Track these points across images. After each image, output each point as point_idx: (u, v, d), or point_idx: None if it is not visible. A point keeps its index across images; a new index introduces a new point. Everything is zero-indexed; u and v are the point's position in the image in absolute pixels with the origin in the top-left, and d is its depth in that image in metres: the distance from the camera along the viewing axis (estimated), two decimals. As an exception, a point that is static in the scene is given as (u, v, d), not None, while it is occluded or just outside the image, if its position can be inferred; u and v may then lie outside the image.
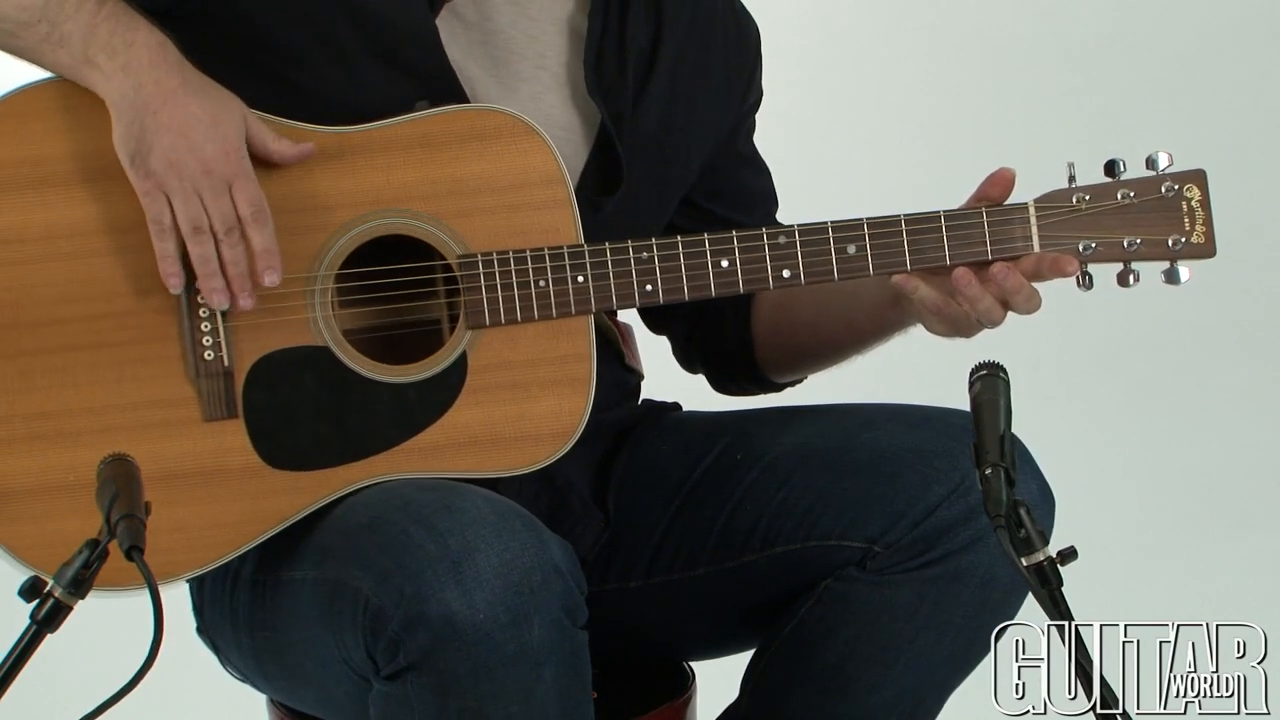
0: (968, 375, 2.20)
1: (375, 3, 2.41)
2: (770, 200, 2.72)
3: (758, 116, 2.72)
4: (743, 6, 2.68)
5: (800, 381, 2.72)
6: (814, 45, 4.92)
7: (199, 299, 2.32)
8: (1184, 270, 2.43)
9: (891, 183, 4.65)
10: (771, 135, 2.76)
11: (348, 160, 2.35)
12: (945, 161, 4.56)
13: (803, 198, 2.81)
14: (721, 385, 2.72)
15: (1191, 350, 4.93)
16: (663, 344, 2.73)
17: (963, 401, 2.21)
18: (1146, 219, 2.43)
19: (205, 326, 2.34)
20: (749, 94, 2.67)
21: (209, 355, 2.34)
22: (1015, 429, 2.15)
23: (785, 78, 4.67)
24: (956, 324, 2.43)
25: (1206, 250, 2.44)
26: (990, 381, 2.17)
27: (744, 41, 2.66)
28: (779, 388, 2.70)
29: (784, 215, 2.70)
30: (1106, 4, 4.97)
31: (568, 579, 2.21)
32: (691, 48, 2.58)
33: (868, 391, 2.59)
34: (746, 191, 2.69)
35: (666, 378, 2.75)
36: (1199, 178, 2.44)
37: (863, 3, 4.96)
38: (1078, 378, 4.95)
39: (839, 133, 4.91)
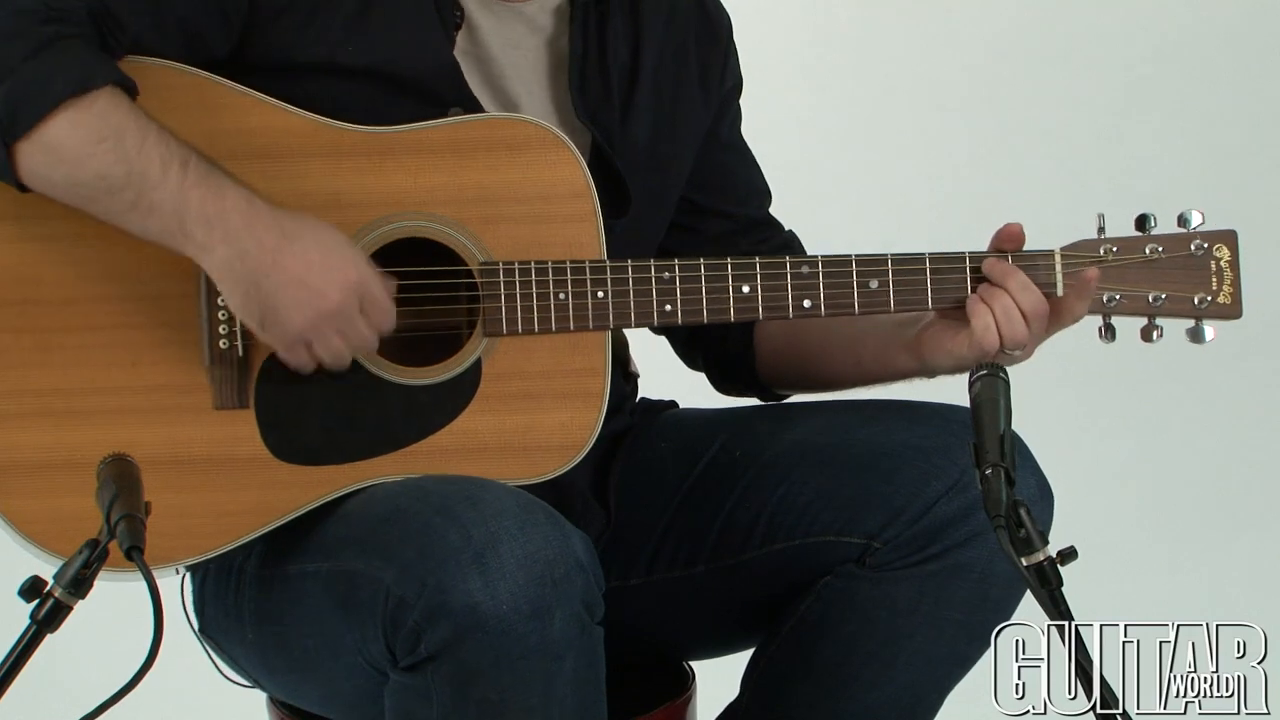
0: (968, 375, 2.20)
1: (405, 60, 2.39)
2: (762, 194, 2.71)
3: (777, 132, 2.71)
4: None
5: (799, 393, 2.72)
6: (823, 45, 4.91)
7: (219, 298, 2.33)
8: (1209, 330, 2.44)
9: (901, 185, 4.65)
10: (795, 158, 2.75)
11: (376, 160, 2.34)
12: (972, 193, 4.56)
13: (809, 198, 2.81)
14: (722, 387, 2.72)
15: (1192, 350, 4.92)
16: (660, 342, 2.72)
17: (962, 399, 2.21)
18: (1173, 275, 2.44)
19: (223, 315, 2.33)
20: (725, 79, 2.65)
21: (224, 344, 2.34)
22: (1015, 428, 2.15)
23: (792, 81, 4.67)
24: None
25: (1233, 311, 2.45)
26: (990, 381, 2.17)
27: (714, 33, 2.64)
28: (779, 397, 2.70)
29: (789, 219, 2.69)
30: (1147, 43, 4.95)
31: (588, 573, 2.22)
32: (669, 52, 2.58)
33: (868, 389, 2.59)
34: (733, 182, 2.68)
35: (664, 376, 2.75)
36: (1230, 238, 2.45)
37: (873, 15, 4.95)
38: (1078, 377, 4.93)
39: (848, 137, 4.90)
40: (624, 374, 2.63)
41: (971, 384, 2.18)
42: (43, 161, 2.25)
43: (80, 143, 2.24)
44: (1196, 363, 4.90)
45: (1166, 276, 2.44)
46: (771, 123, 2.76)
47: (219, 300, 2.33)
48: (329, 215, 2.33)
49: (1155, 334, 2.44)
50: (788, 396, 2.70)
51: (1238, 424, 4.93)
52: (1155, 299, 2.43)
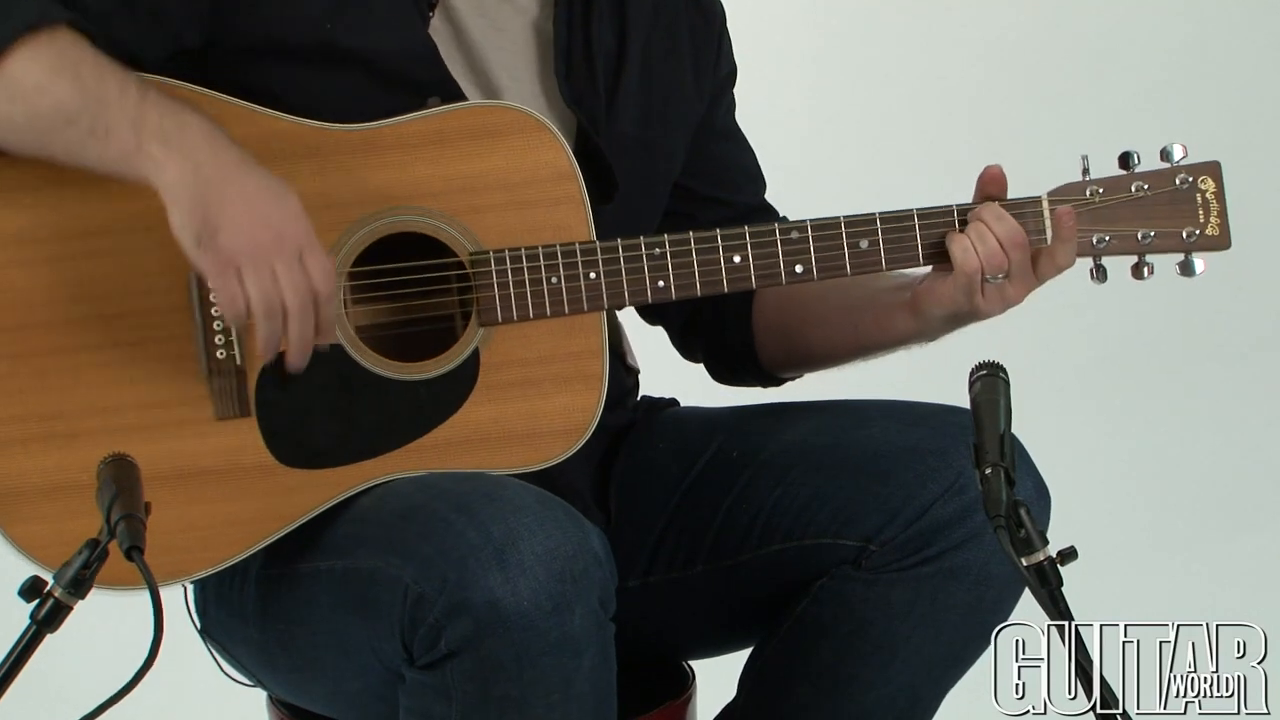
0: (968, 375, 2.20)
1: (379, 40, 2.40)
2: (757, 180, 2.70)
3: (774, 114, 2.71)
4: None
5: (799, 376, 2.71)
6: (822, 39, 4.92)
7: (211, 298, 2.32)
8: (1199, 262, 2.44)
9: (903, 178, 4.65)
10: (781, 130, 2.75)
11: (360, 158, 2.34)
12: (958, 156, 4.56)
13: (812, 193, 2.81)
14: (721, 376, 2.72)
15: (1192, 350, 4.93)
16: (660, 338, 2.72)
17: (962, 399, 2.21)
18: (1160, 211, 2.44)
19: (217, 325, 2.33)
20: (718, 67, 2.66)
21: (221, 354, 2.34)
22: (1016, 429, 2.15)
23: (793, 74, 4.67)
24: (972, 291, 2.42)
25: (1221, 242, 2.45)
26: (990, 381, 2.17)
27: (707, 19, 2.65)
28: (779, 382, 2.70)
29: (794, 212, 2.69)
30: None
31: (605, 568, 2.23)
32: (658, 39, 2.58)
33: (866, 387, 2.59)
34: (727, 168, 2.68)
35: (663, 373, 2.75)
36: (1214, 169, 2.45)
37: (887, 17, 4.96)
38: (1078, 377, 4.94)
39: (849, 129, 4.91)
40: (623, 367, 2.63)
41: (971, 384, 2.19)
42: (5, 98, 2.24)
43: (38, 75, 2.23)
44: (1197, 362, 4.93)
45: (1154, 213, 2.44)
46: (770, 116, 2.76)
47: (213, 310, 2.32)
48: (318, 215, 2.32)
49: (1145, 271, 2.45)
50: (787, 380, 2.70)
51: (1238, 424, 4.94)
52: (1144, 236, 2.44)
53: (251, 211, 2.23)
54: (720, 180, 2.66)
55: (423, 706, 2.25)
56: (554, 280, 2.38)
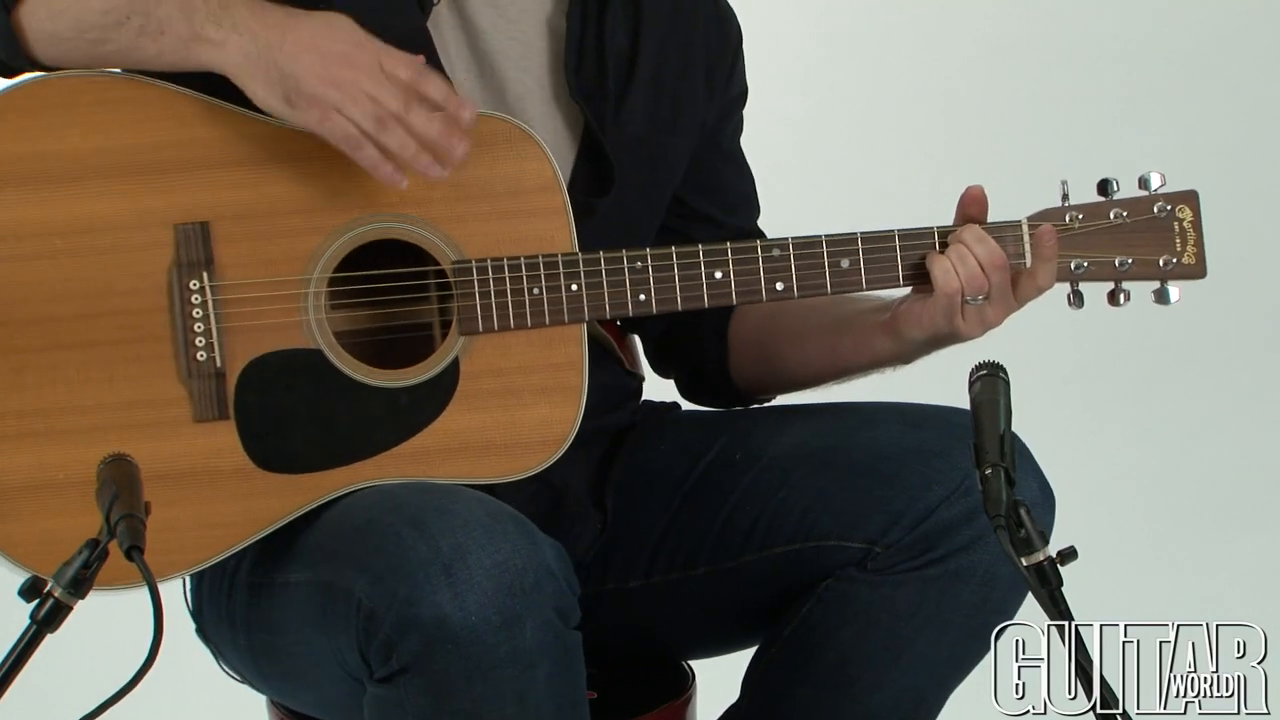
0: (968, 375, 2.20)
1: (368, 14, 2.39)
2: (752, 207, 2.71)
3: (764, 126, 2.71)
4: (724, 2, 2.67)
5: (770, 399, 2.71)
6: (812, 54, 4.93)
7: (192, 300, 2.32)
8: (1174, 290, 2.46)
9: (887, 194, 4.65)
10: (770, 143, 2.75)
11: (344, 162, 2.33)
12: (943, 172, 4.57)
13: (798, 206, 2.81)
14: (690, 393, 2.72)
15: (1192, 350, 4.93)
16: (654, 344, 2.72)
17: (963, 401, 2.21)
18: (1138, 239, 2.45)
19: (198, 327, 2.33)
20: (730, 84, 2.66)
21: (201, 356, 2.33)
22: (1016, 429, 2.15)
23: (782, 86, 4.68)
24: (952, 312, 2.42)
25: (1197, 271, 2.47)
26: (990, 381, 2.17)
27: (724, 35, 2.65)
28: (748, 402, 2.69)
29: (780, 221, 2.69)
30: (1105, 13, 4.97)
31: (560, 580, 2.21)
32: (673, 45, 2.58)
33: (867, 389, 2.59)
34: (728, 190, 2.68)
35: (664, 381, 2.74)
36: (1191, 199, 2.46)
37: (861, 12, 4.97)
38: (1078, 378, 4.94)
39: (836, 143, 4.92)
40: (623, 370, 2.63)
41: (971, 384, 2.19)
42: (46, 16, 2.27)
43: None
44: (1196, 363, 4.93)
45: (1132, 240, 2.46)
46: (761, 126, 2.77)
47: (193, 311, 2.32)
48: (301, 219, 2.34)
49: (1122, 297, 2.47)
50: (756, 402, 2.69)
51: (1238, 424, 4.94)
52: (1122, 263, 2.45)
53: (319, 52, 2.25)
54: (718, 201, 2.65)
55: (382, 718, 2.25)
56: (535, 291, 2.38)
